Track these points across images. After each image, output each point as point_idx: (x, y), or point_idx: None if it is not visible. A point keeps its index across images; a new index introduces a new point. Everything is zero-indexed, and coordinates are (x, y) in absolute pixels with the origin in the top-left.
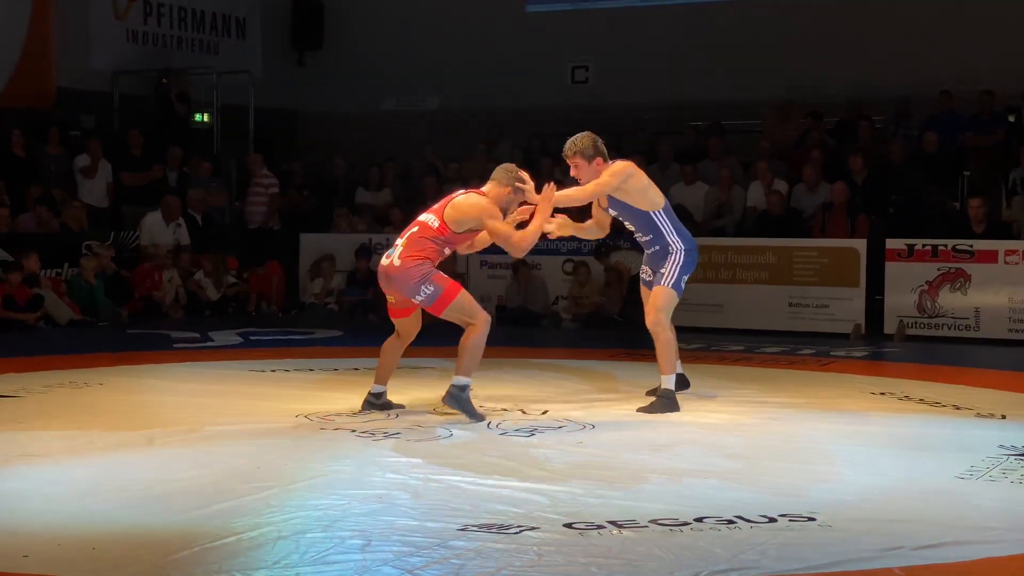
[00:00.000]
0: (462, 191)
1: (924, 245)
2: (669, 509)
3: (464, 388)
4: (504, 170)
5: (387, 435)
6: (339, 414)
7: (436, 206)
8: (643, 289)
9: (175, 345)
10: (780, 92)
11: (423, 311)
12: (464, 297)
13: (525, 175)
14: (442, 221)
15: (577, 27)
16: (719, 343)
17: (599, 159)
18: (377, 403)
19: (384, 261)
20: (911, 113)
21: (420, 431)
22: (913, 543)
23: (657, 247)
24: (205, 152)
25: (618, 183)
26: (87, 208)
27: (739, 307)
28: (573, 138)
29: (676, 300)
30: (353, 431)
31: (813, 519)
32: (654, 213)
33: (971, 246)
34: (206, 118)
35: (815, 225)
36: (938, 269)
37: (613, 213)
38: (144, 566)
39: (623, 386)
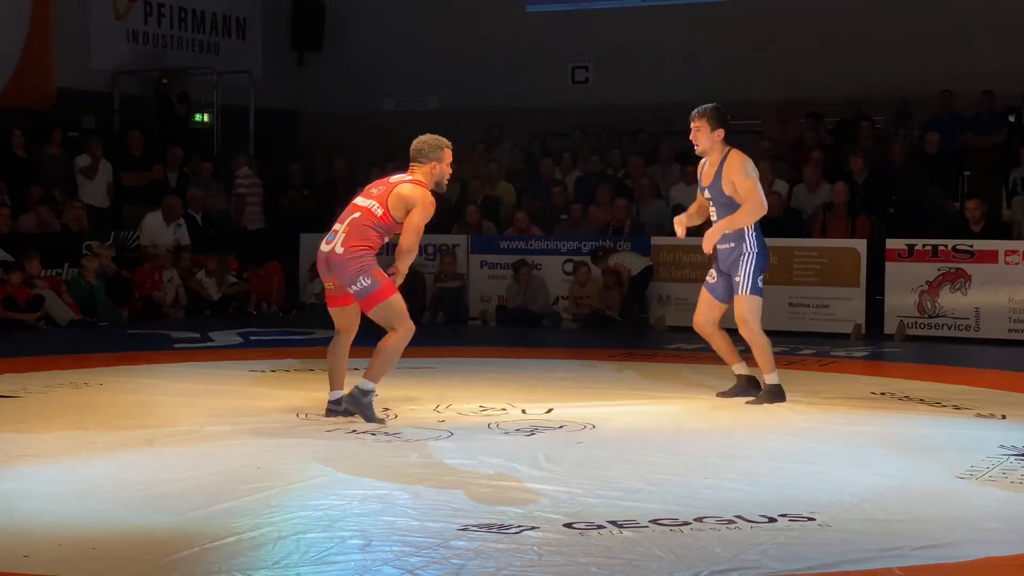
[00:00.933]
0: (400, 176)
1: (924, 245)
2: (669, 509)
3: (368, 393)
4: (417, 151)
5: (387, 435)
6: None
7: (375, 192)
8: (703, 292)
9: (175, 345)
10: (781, 92)
11: None
12: (396, 300)
13: None
14: (386, 209)
15: (577, 28)
16: None
17: (721, 130)
18: (339, 409)
19: (324, 247)
20: (911, 113)
21: (420, 431)
22: (913, 543)
23: (732, 243)
24: (205, 152)
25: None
26: (87, 208)
27: None
28: (704, 106)
29: (760, 302)
30: (353, 431)
31: (813, 519)
32: (747, 230)
33: (971, 246)
34: (206, 118)
35: (815, 225)
36: (938, 269)
37: (708, 196)
38: (144, 566)
39: (623, 386)
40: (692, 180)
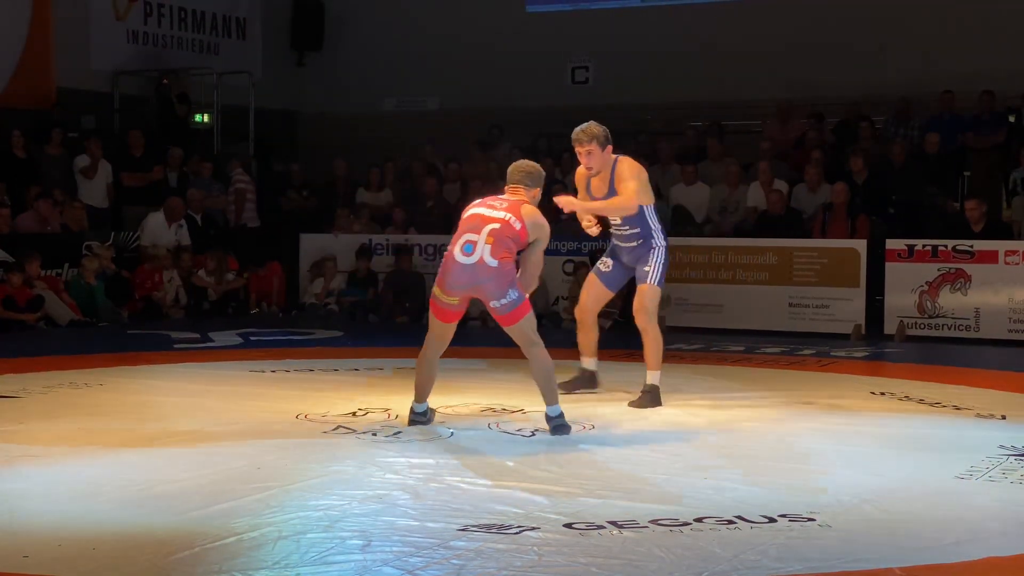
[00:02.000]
0: (511, 197)
1: (924, 245)
2: (669, 509)
3: (560, 415)
4: (527, 173)
5: (387, 435)
6: (339, 415)
7: (501, 206)
8: (592, 279)
9: (175, 346)
10: (781, 92)
11: None
12: (533, 315)
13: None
14: (524, 225)
15: (577, 28)
16: (719, 343)
17: (609, 147)
18: (424, 420)
19: (465, 258)
20: (911, 114)
21: (421, 431)
22: (913, 543)
23: (640, 241)
24: (205, 153)
25: (643, 178)
26: (87, 209)
27: (739, 307)
28: (584, 126)
29: (660, 296)
30: (353, 431)
31: (813, 519)
32: (646, 207)
33: (971, 246)
34: (206, 119)
35: (815, 225)
36: (938, 269)
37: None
38: (144, 566)
39: (623, 386)
40: (692, 180)
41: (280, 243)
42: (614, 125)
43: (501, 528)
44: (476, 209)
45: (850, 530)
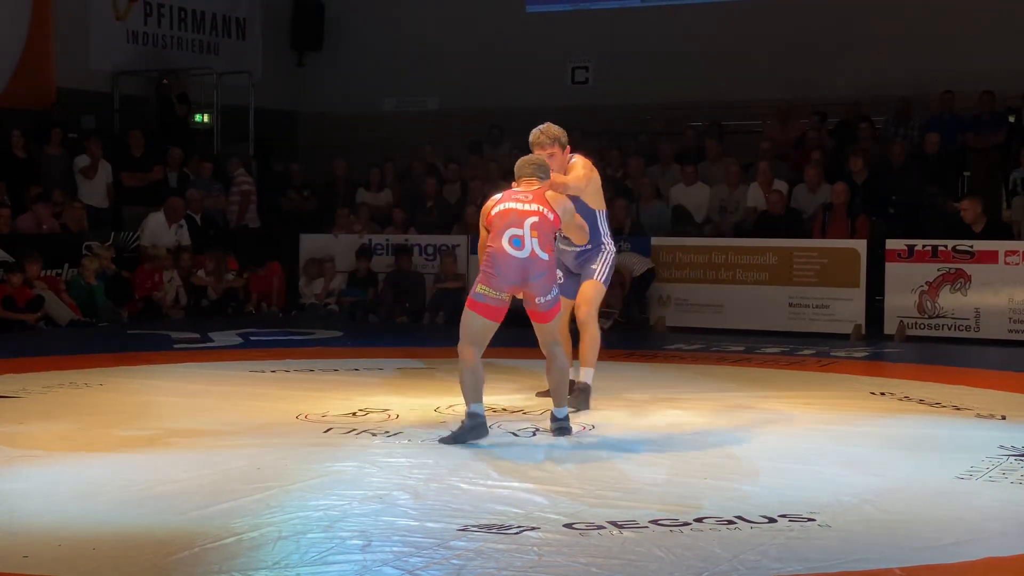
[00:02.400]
0: (528, 188)
1: (924, 246)
2: (669, 510)
3: (567, 417)
4: (538, 167)
5: (387, 435)
6: (339, 415)
7: (525, 198)
8: None
9: (175, 346)
10: (781, 93)
11: None
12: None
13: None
14: (556, 213)
15: (577, 28)
16: (719, 343)
17: (568, 148)
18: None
19: (517, 252)
20: (911, 114)
21: (421, 431)
22: (913, 543)
23: (591, 246)
24: (205, 153)
25: (593, 178)
26: (87, 209)
27: (739, 307)
28: (544, 127)
29: (603, 295)
30: (353, 431)
31: (813, 519)
32: (599, 213)
33: (971, 247)
34: (206, 119)
35: (815, 226)
36: (938, 270)
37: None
38: (144, 566)
39: (623, 387)
40: (692, 181)
41: (280, 243)
42: (614, 125)
43: (501, 528)
44: (506, 204)
45: (850, 530)
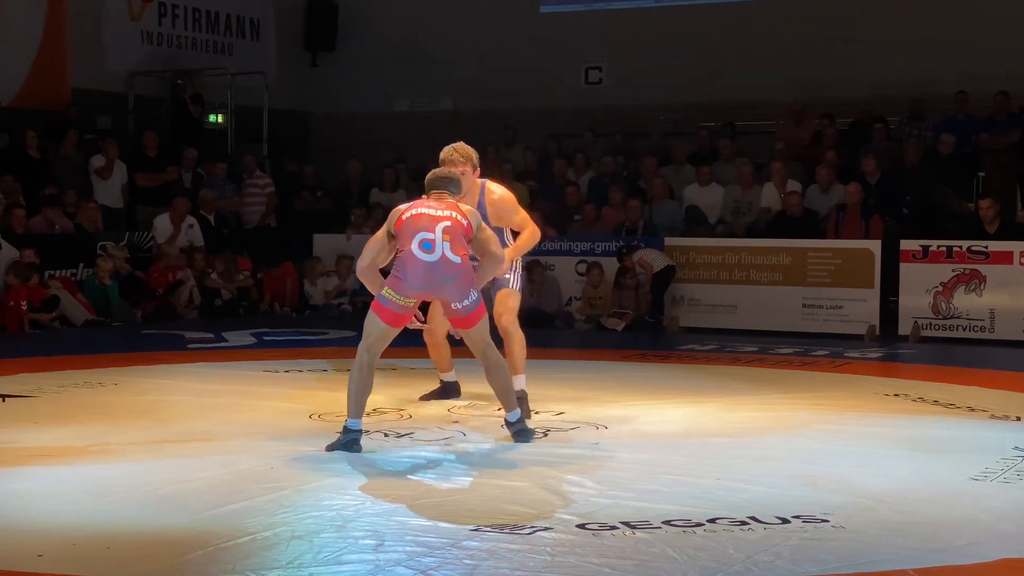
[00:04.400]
0: (441, 200)
1: (939, 246)
2: (682, 510)
3: (521, 420)
4: (450, 180)
5: (400, 435)
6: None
7: (438, 206)
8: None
9: (189, 346)
10: (794, 93)
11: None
12: (487, 318)
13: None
14: (468, 220)
15: (591, 28)
16: (733, 344)
17: (477, 170)
18: (359, 444)
19: (426, 255)
20: (925, 115)
21: (433, 431)
22: (927, 545)
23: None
24: (219, 153)
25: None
26: (102, 209)
27: (753, 308)
28: (457, 145)
29: (520, 300)
30: (366, 431)
31: (827, 520)
32: (504, 230)
33: (986, 247)
34: (220, 119)
35: (829, 226)
36: (953, 270)
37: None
38: (158, 566)
39: (636, 388)
40: (707, 181)
41: (293, 244)
42: (627, 125)
43: (514, 528)
44: (417, 209)
45: (864, 531)
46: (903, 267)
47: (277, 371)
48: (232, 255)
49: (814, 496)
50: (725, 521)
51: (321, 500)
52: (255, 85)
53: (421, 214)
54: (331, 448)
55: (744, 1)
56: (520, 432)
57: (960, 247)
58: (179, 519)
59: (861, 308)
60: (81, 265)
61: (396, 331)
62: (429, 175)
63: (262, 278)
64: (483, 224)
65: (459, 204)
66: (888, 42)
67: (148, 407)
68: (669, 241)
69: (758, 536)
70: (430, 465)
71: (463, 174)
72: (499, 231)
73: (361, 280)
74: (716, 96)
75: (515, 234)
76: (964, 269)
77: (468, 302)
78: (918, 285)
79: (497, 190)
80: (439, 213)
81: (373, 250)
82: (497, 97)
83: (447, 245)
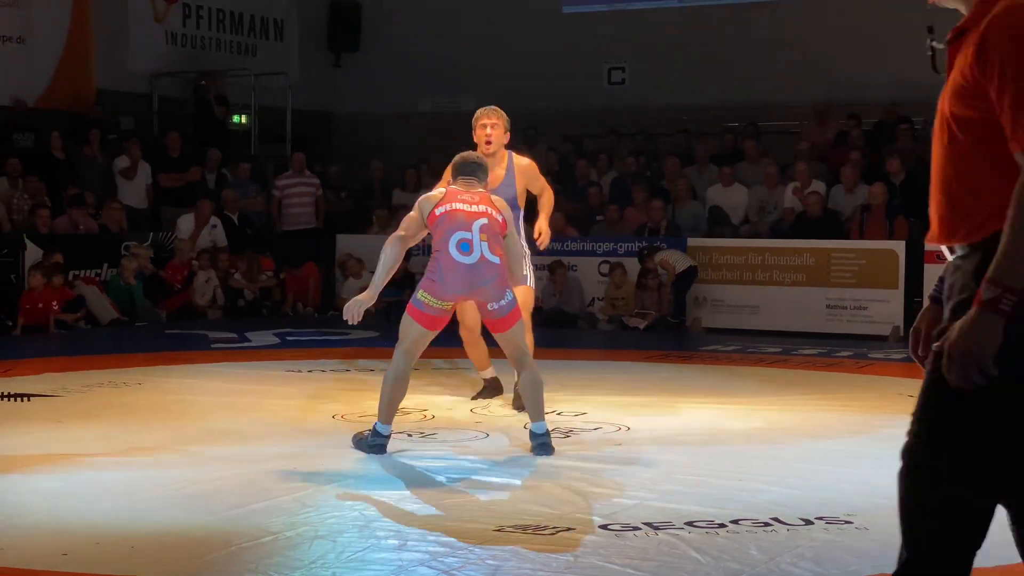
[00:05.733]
0: (469, 187)
1: None
2: (705, 511)
3: (547, 433)
4: (479, 166)
5: (423, 436)
6: (375, 415)
7: (472, 199)
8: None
9: (213, 345)
10: (818, 94)
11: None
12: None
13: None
14: (504, 216)
15: (614, 28)
16: (756, 345)
17: (508, 135)
18: (384, 447)
19: (465, 257)
20: None
21: (456, 432)
22: None
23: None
24: (243, 154)
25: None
26: (126, 209)
27: (776, 309)
28: (493, 107)
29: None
30: None
31: (850, 522)
32: (520, 212)
33: None
34: (244, 120)
35: (853, 227)
36: None
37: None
38: (181, 565)
39: (659, 388)
40: (730, 182)
41: (317, 244)
42: (650, 126)
43: (536, 529)
44: (452, 205)
45: (888, 533)
46: (927, 268)
47: (300, 371)
48: (254, 255)
49: (837, 497)
50: (748, 522)
51: (344, 500)
52: (278, 86)
53: (457, 211)
54: (356, 441)
55: (768, 1)
56: (541, 445)
57: None
58: (202, 518)
59: (885, 309)
60: (105, 265)
61: (433, 334)
62: (458, 157)
63: (285, 278)
64: (511, 225)
65: (491, 197)
66: (913, 42)
67: (171, 407)
68: (692, 241)
69: (781, 537)
70: (453, 466)
71: (495, 125)
72: (515, 216)
73: (385, 248)
74: (740, 96)
75: (526, 231)
76: None
77: (504, 302)
78: None
79: (522, 159)
80: (474, 209)
81: (408, 227)
82: (519, 97)
83: (485, 246)
